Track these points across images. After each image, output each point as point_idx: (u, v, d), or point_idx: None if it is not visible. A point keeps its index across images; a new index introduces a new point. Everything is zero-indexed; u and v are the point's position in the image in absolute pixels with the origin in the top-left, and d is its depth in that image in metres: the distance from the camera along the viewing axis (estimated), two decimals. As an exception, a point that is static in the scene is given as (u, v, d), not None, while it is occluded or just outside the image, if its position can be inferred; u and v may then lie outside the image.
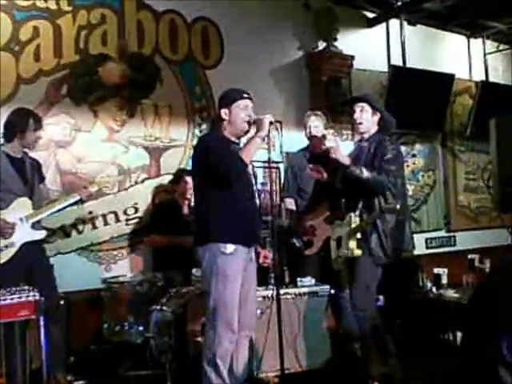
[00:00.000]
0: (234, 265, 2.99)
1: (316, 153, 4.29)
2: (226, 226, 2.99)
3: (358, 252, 3.44)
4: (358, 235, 3.44)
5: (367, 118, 3.58)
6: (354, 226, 3.47)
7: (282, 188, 4.45)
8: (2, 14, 4.14)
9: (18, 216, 3.41)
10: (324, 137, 4.36)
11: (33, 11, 4.27)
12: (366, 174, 3.35)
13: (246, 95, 3.12)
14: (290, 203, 4.34)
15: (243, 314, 3.07)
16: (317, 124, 4.27)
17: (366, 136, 3.62)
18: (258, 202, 3.18)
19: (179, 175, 4.60)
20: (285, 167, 4.62)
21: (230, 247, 2.97)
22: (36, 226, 3.49)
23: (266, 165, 3.34)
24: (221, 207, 3.01)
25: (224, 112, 3.09)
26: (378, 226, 3.44)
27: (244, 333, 3.09)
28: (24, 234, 3.40)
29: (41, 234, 3.52)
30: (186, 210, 4.54)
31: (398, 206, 3.29)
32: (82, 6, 4.47)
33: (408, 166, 6.27)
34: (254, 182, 3.18)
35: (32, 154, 3.71)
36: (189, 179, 4.44)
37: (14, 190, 3.43)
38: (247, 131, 3.12)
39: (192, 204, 4.52)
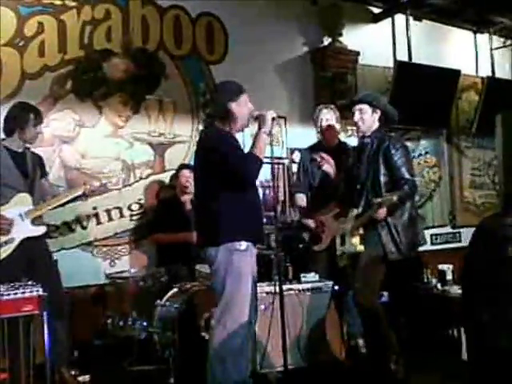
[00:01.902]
0: (248, 262, 2.99)
1: (329, 146, 4.25)
2: (240, 224, 2.97)
3: (360, 248, 3.43)
4: (361, 231, 3.44)
5: (367, 119, 3.58)
6: (356, 221, 3.47)
7: (294, 183, 4.42)
8: (7, 10, 4.15)
9: (17, 212, 3.39)
10: (336, 131, 4.28)
11: (37, 6, 4.28)
12: (395, 197, 3.28)
13: (243, 88, 3.08)
14: (301, 199, 4.32)
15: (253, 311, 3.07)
16: (328, 117, 4.19)
17: (367, 133, 3.62)
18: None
19: (178, 170, 4.60)
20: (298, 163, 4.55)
21: (243, 244, 2.97)
22: (36, 221, 3.47)
23: (269, 161, 3.32)
24: (234, 206, 2.97)
25: (234, 106, 3.00)
26: (389, 221, 3.42)
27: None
28: (23, 230, 3.39)
29: (40, 230, 3.50)
30: (188, 206, 4.54)
31: (395, 198, 3.26)
32: (86, 2, 4.47)
33: (419, 163, 6.31)
34: None
35: (36, 150, 3.71)
36: (187, 172, 4.45)
37: (14, 185, 3.41)
38: (247, 126, 3.10)
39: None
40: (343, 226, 3.59)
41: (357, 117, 3.59)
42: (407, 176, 3.43)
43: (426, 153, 6.44)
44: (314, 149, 4.37)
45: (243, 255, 2.97)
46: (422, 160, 6.42)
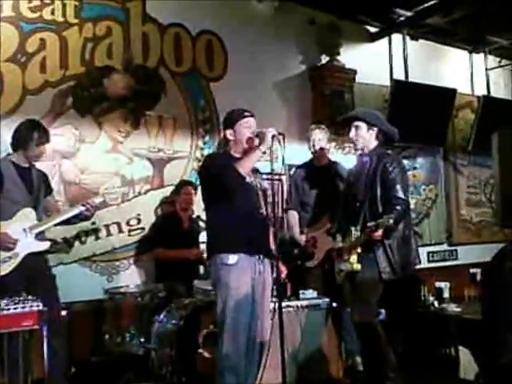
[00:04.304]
0: (237, 275, 3.00)
1: (320, 166, 4.32)
2: (226, 236, 3.03)
3: (357, 266, 3.43)
4: (359, 249, 3.45)
5: (362, 135, 3.61)
6: (354, 240, 3.48)
7: (286, 201, 4.47)
8: (10, 26, 4.19)
9: (21, 227, 3.41)
10: (327, 150, 4.40)
11: (39, 23, 4.31)
12: (391, 220, 3.29)
13: (248, 113, 3.18)
14: (293, 215, 4.36)
15: (254, 326, 3.08)
16: (320, 137, 4.30)
17: (365, 151, 3.64)
18: (264, 214, 3.16)
19: (180, 186, 4.63)
20: (289, 180, 4.64)
21: (232, 258, 3.00)
22: (39, 236, 3.49)
23: (269, 177, 3.36)
24: (221, 219, 3.06)
25: (229, 132, 3.16)
26: (384, 241, 3.43)
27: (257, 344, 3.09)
28: (27, 245, 3.40)
29: (44, 245, 3.52)
30: (186, 222, 4.56)
31: (391, 222, 3.28)
32: (88, 19, 4.51)
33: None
34: (260, 194, 3.18)
35: (37, 165, 3.73)
36: (188, 189, 4.49)
37: (19, 200, 3.44)
38: (251, 147, 3.14)
39: (193, 216, 4.59)
40: (342, 245, 3.60)
41: (353, 133, 3.63)
42: (401, 195, 3.44)
43: (415, 168, 6.45)
44: (305, 167, 4.44)
45: (231, 269, 2.99)
46: (411, 174, 6.45)
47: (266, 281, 3.15)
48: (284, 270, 3.39)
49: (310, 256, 4.16)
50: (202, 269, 4.52)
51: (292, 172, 4.89)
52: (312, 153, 4.36)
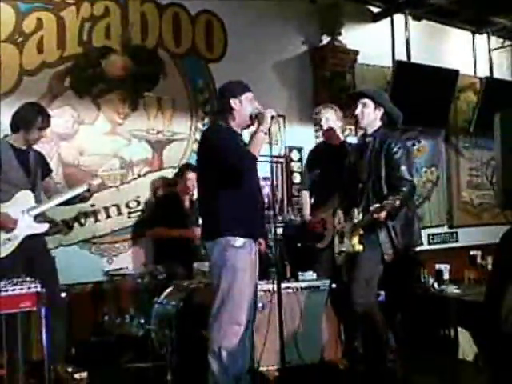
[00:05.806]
0: (244, 258, 3.01)
1: (332, 145, 4.24)
2: (235, 219, 2.99)
3: (359, 248, 3.42)
4: (361, 231, 3.43)
5: (368, 113, 3.56)
6: (356, 221, 3.47)
7: (300, 181, 4.48)
8: (7, 6, 4.13)
9: (20, 209, 3.40)
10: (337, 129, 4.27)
11: (37, 3, 4.26)
12: (397, 202, 3.24)
13: (248, 87, 3.12)
14: (306, 195, 4.33)
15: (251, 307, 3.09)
16: (328, 116, 4.18)
17: (369, 131, 3.61)
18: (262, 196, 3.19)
19: (183, 170, 4.60)
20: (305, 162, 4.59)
21: (239, 240, 2.99)
22: (38, 218, 3.49)
23: (269, 159, 3.33)
24: (230, 201, 2.99)
25: (234, 102, 3.05)
26: (388, 223, 3.42)
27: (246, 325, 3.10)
28: (26, 227, 3.40)
29: (43, 227, 3.52)
30: (187, 204, 4.55)
31: (398, 203, 3.26)
32: (85, -2, 4.46)
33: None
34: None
35: (34, 147, 3.70)
36: (191, 175, 4.46)
37: (17, 182, 3.42)
38: (249, 125, 3.11)
39: (194, 198, 4.57)
40: (344, 225, 3.59)
41: (358, 110, 3.57)
42: (407, 176, 3.42)
43: (413, 144, 6.40)
44: (318, 148, 4.39)
45: (238, 251, 2.98)
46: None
47: (257, 261, 3.18)
48: (263, 243, 3.45)
49: (319, 237, 4.13)
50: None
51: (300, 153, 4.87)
52: (322, 134, 4.28)
